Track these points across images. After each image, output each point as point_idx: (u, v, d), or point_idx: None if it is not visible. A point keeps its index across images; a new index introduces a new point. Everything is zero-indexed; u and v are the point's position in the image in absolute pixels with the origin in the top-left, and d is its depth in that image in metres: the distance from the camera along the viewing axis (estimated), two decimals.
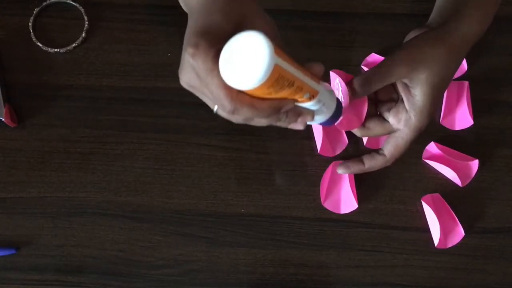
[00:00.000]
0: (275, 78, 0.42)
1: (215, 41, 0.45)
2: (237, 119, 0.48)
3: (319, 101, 0.50)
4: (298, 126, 0.51)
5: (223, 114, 0.48)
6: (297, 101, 0.48)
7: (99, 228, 0.69)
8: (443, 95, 0.68)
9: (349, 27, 0.74)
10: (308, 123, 0.51)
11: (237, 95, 0.45)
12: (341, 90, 0.59)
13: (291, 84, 0.45)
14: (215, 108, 0.48)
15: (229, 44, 0.43)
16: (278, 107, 0.47)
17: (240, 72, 0.42)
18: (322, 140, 0.68)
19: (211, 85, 0.45)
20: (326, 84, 0.52)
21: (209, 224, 0.69)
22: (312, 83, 0.48)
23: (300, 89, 0.47)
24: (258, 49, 0.41)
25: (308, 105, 0.50)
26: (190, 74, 0.47)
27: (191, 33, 0.46)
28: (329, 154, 0.70)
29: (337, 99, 0.55)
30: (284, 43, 0.50)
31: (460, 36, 0.59)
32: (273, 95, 0.45)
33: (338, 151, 0.70)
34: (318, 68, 0.50)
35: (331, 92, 0.54)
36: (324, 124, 0.55)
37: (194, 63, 0.45)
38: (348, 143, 0.70)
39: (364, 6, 0.74)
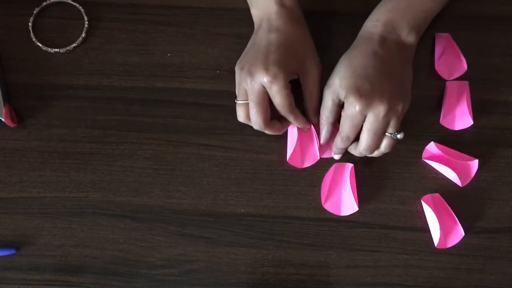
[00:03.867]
0: None
1: (288, 75, 0.63)
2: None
3: None
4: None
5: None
6: None
7: (99, 228, 0.69)
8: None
9: (349, 27, 0.74)
10: None
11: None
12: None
13: None
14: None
15: None
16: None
17: None
18: (294, 150, 0.68)
19: (283, 102, 0.64)
20: None
21: (209, 224, 0.69)
22: None
23: None
24: None
25: None
26: (255, 93, 0.63)
27: (271, 63, 0.62)
28: (298, 165, 0.69)
29: None
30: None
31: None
32: None
33: (307, 164, 0.69)
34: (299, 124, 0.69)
35: None
36: None
37: (270, 87, 0.63)
38: (320, 159, 0.70)
39: (364, 6, 0.74)
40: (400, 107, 0.63)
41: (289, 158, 0.69)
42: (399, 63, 0.65)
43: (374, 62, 0.63)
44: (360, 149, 0.65)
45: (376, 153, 0.66)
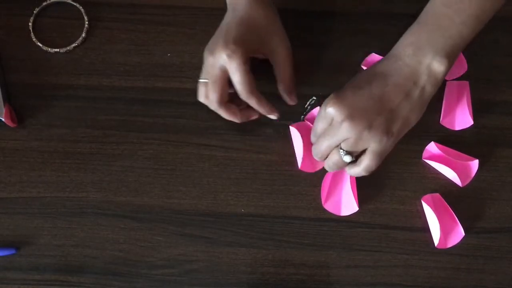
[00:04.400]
0: None
1: (247, 52, 0.63)
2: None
3: None
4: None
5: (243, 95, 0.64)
6: None
7: (99, 228, 0.69)
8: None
9: (349, 27, 0.74)
10: None
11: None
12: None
13: None
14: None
15: None
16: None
17: None
18: (303, 156, 0.68)
19: (242, 79, 0.63)
20: None
21: (209, 224, 0.69)
22: None
23: None
24: None
25: None
26: (215, 70, 0.63)
27: (230, 40, 0.62)
28: (310, 170, 0.69)
29: None
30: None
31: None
32: None
33: (319, 167, 0.69)
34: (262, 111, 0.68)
35: None
36: None
37: (229, 62, 0.62)
38: None
39: (364, 6, 0.74)
40: (366, 138, 0.60)
41: (301, 165, 0.69)
42: (398, 93, 0.61)
43: (370, 83, 0.61)
44: (314, 148, 0.65)
45: (326, 165, 0.65)
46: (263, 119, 0.70)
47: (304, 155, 0.68)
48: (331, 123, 0.62)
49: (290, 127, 0.69)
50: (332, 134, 0.62)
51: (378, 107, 0.60)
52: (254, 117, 0.68)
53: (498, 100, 0.72)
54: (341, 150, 0.62)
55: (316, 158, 0.65)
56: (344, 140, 0.61)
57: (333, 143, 0.62)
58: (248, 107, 0.66)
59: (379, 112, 0.60)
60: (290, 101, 0.68)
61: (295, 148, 0.70)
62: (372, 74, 0.62)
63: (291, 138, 0.70)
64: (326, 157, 0.65)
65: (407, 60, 0.61)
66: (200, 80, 0.66)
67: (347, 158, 0.62)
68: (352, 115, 0.59)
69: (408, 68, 0.61)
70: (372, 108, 0.60)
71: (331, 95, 0.61)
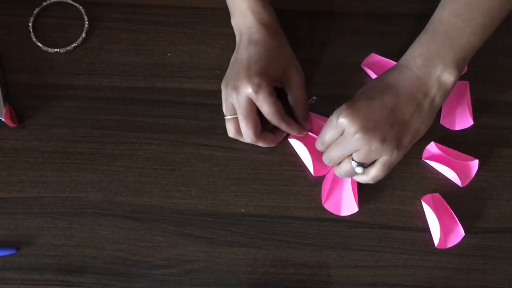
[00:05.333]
0: None
1: (272, 83, 0.64)
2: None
3: None
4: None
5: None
6: None
7: (99, 228, 0.69)
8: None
9: (349, 27, 0.74)
10: None
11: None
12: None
13: None
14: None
15: None
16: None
17: None
18: (313, 163, 0.68)
19: (271, 110, 0.65)
20: None
21: (209, 224, 0.69)
22: None
23: None
24: None
25: None
26: (242, 105, 0.64)
27: (253, 73, 0.63)
28: (323, 173, 0.69)
29: None
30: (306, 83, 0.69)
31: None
32: None
33: (330, 167, 0.69)
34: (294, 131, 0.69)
35: None
36: None
37: (256, 97, 0.63)
38: None
39: (364, 6, 0.74)
40: (378, 151, 0.60)
41: (314, 172, 0.69)
42: (409, 105, 0.61)
43: (383, 94, 0.61)
44: (324, 156, 0.65)
45: (336, 173, 0.66)
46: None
47: (314, 161, 0.68)
48: (342, 134, 0.62)
49: (289, 139, 0.69)
50: (344, 145, 0.62)
51: (391, 119, 0.60)
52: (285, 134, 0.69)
53: (498, 100, 0.72)
54: (353, 161, 0.62)
55: (326, 161, 0.66)
56: (355, 151, 0.61)
57: (344, 154, 0.63)
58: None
59: (392, 124, 0.60)
60: (307, 125, 0.69)
61: (301, 158, 0.70)
62: (383, 85, 0.62)
63: (293, 148, 0.70)
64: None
65: (417, 71, 0.61)
66: (227, 117, 0.67)
67: (359, 170, 0.62)
68: (365, 128, 0.59)
69: (418, 79, 0.61)
70: (385, 120, 0.60)
71: (344, 106, 0.61)
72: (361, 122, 0.59)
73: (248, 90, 0.63)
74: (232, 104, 0.65)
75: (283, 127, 0.67)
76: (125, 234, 0.69)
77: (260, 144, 0.67)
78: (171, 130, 0.71)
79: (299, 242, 0.68)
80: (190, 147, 0.71)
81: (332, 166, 0.67)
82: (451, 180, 0.70)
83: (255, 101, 0.64)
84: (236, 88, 0.64)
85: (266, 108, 0.64)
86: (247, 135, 0.65)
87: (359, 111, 0.60)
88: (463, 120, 0.71)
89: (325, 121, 0.69)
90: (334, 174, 0.69)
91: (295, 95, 0.68)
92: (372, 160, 0.62)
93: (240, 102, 0.64)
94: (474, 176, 0.69)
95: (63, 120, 0.71)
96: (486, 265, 0.68)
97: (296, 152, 0.70)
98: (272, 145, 0.68)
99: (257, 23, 0.67)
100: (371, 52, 0.72)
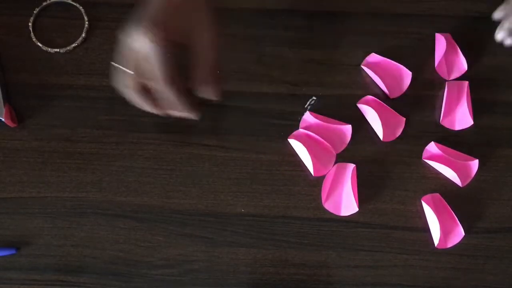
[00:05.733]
0: None
1: (169, 37, 0.56)
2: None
3: None
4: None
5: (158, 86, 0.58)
6: None
7: (99, 228, 0.69)
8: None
9: (349, 27, 0.74)
10: None
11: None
12: None
13: None
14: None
15: None
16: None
17: None
18: (312, 163, 0.68)
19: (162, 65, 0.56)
20: None
21: (209, 224, 0.69)
22: None
23: None
24: None
25: None
26: (133, 54, 0.57)
27: (152, 19, 0.56)
28: (323, 173, 0.69)
29: None
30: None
31: None
32: None
33: (331, 166, 0.70)
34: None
35: None
36: None
37: (149, 48, 0.55)
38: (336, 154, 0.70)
39: (364, 6, 0.74)
40: None
41: (314, 172, 0.69)
42: None
43: None
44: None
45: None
46: (263, 119, 0.70)
47: (313, 161, 0.68)
48: None
49: (289, 139, 0.69)
50: None
51: None
52: (175, 113, 0.62)
53: (498, 100, 0.72)
54: None
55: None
56: None
57: None
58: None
59: None
60: (212, 93, 0.61)
61: (301, 158, 0.70)
62: None
63: (293, 148, 0.70)
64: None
65: None
66: (116, 65, 0.60)
67: None
68: None
69: None
70: None
71: None
72: None
73: (144, 39, 0.55)
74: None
75: (171, 95, 0.58)
76: (125, 234, 0.69)
77: (138, 102, 0.61)
78: (171, 130, 0.71)
79: (299, 242, 0.68)
80: (190, 147, 0.71)
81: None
82: (451, 180, 0.70)
83: (148, 52, 0.56)
84: (130, 35, 0.57)
85: (157, 63, 0.56)
86: (128, 87, 0.59)
87: None
88: (463, 120, 0.71)
89: (325, 121, 0.69)
90: (334, 174, 0.69)
91: (199, 53, 0.59)
92: None
93: (131, 50, 0.57)
94: (474, 176, 0.69)
95: (63, 120, 0.71)
96: (486, 265, 0.68)
97: (296, 152, 0.70)
98: (155, 111, 0.61)
99: None
100: (371, 52, 0.72)
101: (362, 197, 0.69)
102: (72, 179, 0.70)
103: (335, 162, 0.70)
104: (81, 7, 0.74)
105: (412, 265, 0.68)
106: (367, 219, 0.69)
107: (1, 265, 0.68)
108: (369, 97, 0.71)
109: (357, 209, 0.68)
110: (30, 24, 0.74)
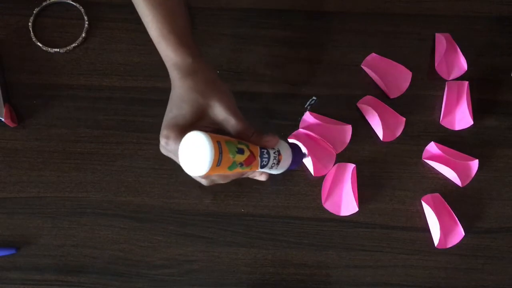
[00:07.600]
0: (216, 162, 0.51)
1: (182, 132, 0.56)
2: (208, 183, 0.60)
3: (274, 159, 0.58)
4: (262, 178, 0.62)
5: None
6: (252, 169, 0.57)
7: (99, 228, 0.69)
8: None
9: (349, 27, 0.74)
10: (274, 172, 0.60)
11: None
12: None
13: (239, 159, 0.54)
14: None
15: (184, 140, 0.53)
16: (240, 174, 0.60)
17: (192, 164, 0.53)
18: (313, 163, 0.68)
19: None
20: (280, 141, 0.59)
21: (209, 224, 0.69)
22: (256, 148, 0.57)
23: (252, 156, 0.56)
24: (202, 147, 0.51)
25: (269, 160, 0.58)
26: (168, 153, 0.59)
27: (163, 125, 0.59)
28: (322, 173, 0.69)
29: (295, 150, 0.60)
30: (245, 120, 0.58)
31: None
32: (224, 168, 0.53)
33: (330, 166, 0.70)
34: (273, 140, 0.58)
35: (285, 147, 0.59)
36: (290, 169, 0.61)
37: (169, 148, 0.58)
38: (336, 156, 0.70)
39: (364, 6, 0.74)
40: None
41: (314, 172, 0.69)
42: None
43: None
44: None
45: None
46: (263, 119, 0.70)
47: (313, 161, 0.68)
48: None
49: (289, 139, 0.69)
50: None
51: None
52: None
53: (498, 100, 0.72)
54: None
55: None
56: None
57: None
58: None
59: None
60: (270, 141, 0.59)
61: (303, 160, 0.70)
62: None
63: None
64: None
65: None
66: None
67: None
68: None
69: None
70: None
71: None
72: None
73: (161, 142, 0.59)
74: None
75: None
76: (125, 234, 0.69)
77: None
78: None
79: (299, 242, 0.68)
80: None
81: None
82: (451, 180, 0.70)
83: (171, 152, 0.59)
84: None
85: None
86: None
87: None
88: (463, 120, 0.71)
89: (325, 121, 0.69)
90: (334, 174, 0.69)
91: (228, 127, 0.58)
92: None
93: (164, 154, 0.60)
94: (474, 176, 0.69)
95: (63, 120, 0.71)
96: (486, 265, 0.68)
97: None
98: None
99: (171, 68, 0.61)
100: (371, 52, 0.72)
101: (362, 197, 0.69)
102: (72, 179, 0.70)
103: (335, 162, 0.70)
104: (81, 7, 0.74)
105: (412, 265, 0.68)
106: (367, 219, 0.69)
107: (1, 265, 0.68)
108: (369, 97, 0.71)
109: (357, 209, 0.68)
110: (30, 24, 0.74)
